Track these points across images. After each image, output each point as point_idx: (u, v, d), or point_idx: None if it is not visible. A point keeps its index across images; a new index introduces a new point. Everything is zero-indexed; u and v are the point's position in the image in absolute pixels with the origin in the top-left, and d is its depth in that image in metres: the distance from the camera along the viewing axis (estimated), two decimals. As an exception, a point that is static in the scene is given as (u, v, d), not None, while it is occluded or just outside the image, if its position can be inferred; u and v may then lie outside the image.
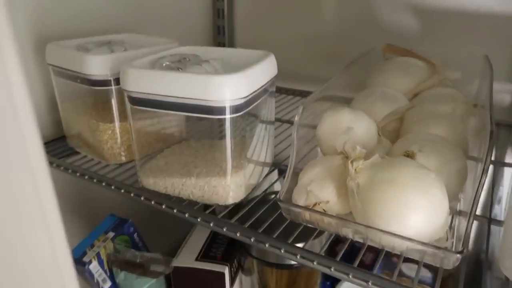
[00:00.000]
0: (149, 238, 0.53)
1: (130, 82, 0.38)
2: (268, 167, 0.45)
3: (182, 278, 0.47)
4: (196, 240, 0.51)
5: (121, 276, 0.44)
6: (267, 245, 0.35)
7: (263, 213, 0.38)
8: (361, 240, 0.35)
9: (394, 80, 0.48)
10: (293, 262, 0.45)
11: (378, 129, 0.40)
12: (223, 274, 0.46)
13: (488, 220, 0.40)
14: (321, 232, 0.38)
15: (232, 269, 0.48)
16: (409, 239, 0.30)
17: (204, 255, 0.48)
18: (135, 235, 0.51)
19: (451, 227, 0.35)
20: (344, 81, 0.48)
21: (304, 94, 0.68)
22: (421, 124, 0.41)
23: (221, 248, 0.49)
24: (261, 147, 0.43)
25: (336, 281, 0.51)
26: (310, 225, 0.37)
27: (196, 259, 0.47)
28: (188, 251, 0.49)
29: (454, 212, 0.37)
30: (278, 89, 0.69)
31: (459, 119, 0.42)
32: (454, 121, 0.41)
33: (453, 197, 0.35)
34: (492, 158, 0.49)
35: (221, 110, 0.35)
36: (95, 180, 0.45)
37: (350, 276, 0.32)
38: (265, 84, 0.40)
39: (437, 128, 0.40)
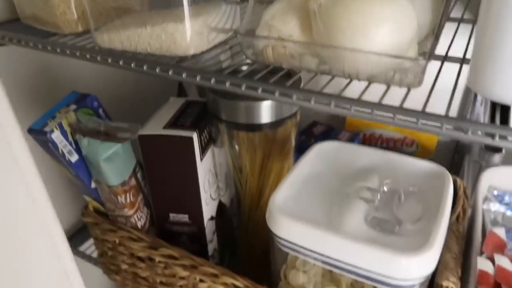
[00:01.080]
0: (116, 119, 0.51)
1: None
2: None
3: (150, 147, 0.46)
4: (165, 113, 0.49)
5: (84, 142, 0.43)
6: (243, 88, 0.33)
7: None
8: (326, 72, 0.33)
9: None
10: (264, 122, 0.44)
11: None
12: (190, 139, 0.44)
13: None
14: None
15: (201, 137, 0.46)
16: (375, 53, 0.28)
17: (172, 124, 0.47)
18: (100, 110, 0.49)
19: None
20: None
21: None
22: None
23: (190, 118, 0.48)
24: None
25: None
26: (274, 64, 0.35)
27: (164, 128, 0.46)
28: (156, 121, 0.48)
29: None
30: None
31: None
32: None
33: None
34: None
35: None
36: (49, 48, 0.42)
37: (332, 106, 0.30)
38: None
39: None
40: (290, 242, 0.38)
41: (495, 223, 0.58)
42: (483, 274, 0.42)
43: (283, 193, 0.40)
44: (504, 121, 0.26)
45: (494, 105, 0.27)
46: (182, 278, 0.49)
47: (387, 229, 0.36)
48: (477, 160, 0.69)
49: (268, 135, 0.47)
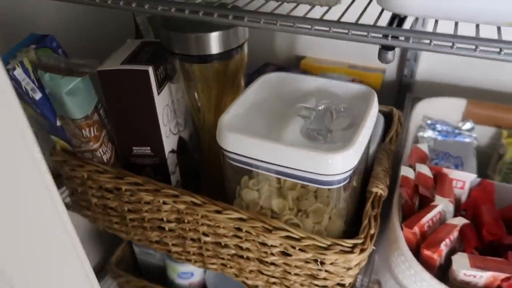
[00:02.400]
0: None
1: None
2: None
3: (109, 82, 0.50)
4: (123, 53, 0.53)
5: (46, 77, 0.46)
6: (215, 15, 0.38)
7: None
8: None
9: None
10: (214, 52, 0.48)
11: None
12: (146, 72, 0.48)
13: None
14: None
15: (157, 72, 0.50)
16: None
17: (129, 61, 0.50)
18: (60, 50, 0.52)
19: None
20: None
21: None
22: None
23: (146, 56, 0.51)
24: None
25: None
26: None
27: (121, 64, 0.50)
28: (114, 59, 0.51)
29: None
30: None
31: None
32: None
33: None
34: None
35: None
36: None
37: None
38: None
39: None
40: (236, 154, 0.43)
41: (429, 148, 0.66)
42: (404, 178, 0.49)
43: (230, 114, 0.45)
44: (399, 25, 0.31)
45: (394, 15, 0.33)
46: (147, 203, 0.54)
47: (319, 138, 0.42)
48: (416, 96, 0.76)
49: (219, 68, 0.52)
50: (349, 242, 0.44)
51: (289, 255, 0.48)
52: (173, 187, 0.51)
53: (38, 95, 0.49)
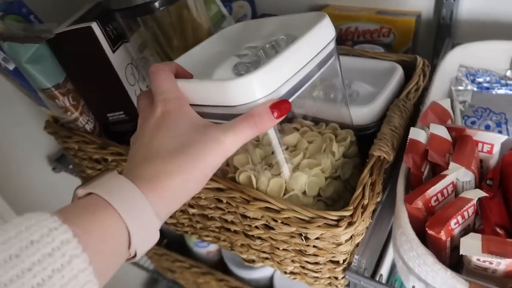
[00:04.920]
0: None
1: None
2: None
3: (60, 47, 0.47)
4: (75, 15, 0.49)
5: (5, 46, 0.44)
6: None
7: None
8: None
9: None
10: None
11: None
12: (89, 28, 0.44)
13: None
14: None
15: (106, 29, 0.46)
16: None
17: (76, 22, 0.46)
18: (31, 16, 0.49)
19: None
20: None
21: None
22: None
23: (95, 14, 0.47)
24: None
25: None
26: None
27: (68, 26, 0.46)
28: (63, 25, 0.47)
29: None
30: None
31: None
32: None
33: None
34: None
35: None
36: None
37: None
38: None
39: None
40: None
41: (464, 105, 0.55)
42: (412, 142, 0.41)
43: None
44: None
45: None
46: (132, 173, 0.51)
47: (245, 71, 0.36)
48: (457, 42, 0.63)
49: (169, 20, 0.45)
50: (334, 214, 0.37)
51: (272, 228, 0.42)
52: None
53: (11, 65, 0.48)
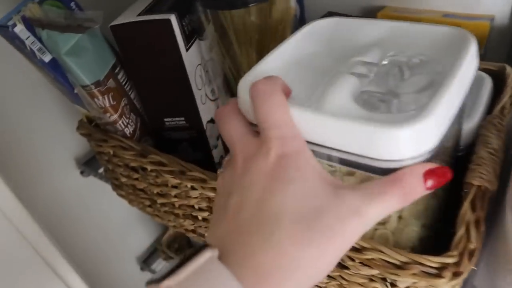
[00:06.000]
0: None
1: None
2: None
3: (126, 39, 0.41)
4: (141, 4, 0.43)
5: (44, 35, 0.38)
6: None
7: None
8: None
9: None
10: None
11: None
12: (168, 22, 0.38)
13: None
14: None
15: (183, 23, 0.40)
16: None
17: (148, 11, 0.40)
18: (72, 4, 0.43)
19: None
20: None
21: None
22: None
23: (168, 4, 0.41)
24: None
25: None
26: None
27: (138, 15, 0.40)
28: (131, 11, 0.41)
29: None
30: None
31: None
32: None
33: None
34: None
35: None
36: None
37: None
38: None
39: None
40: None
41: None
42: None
43: (255, 75, 0.31)
44: None
45: None
46: (175, 187, 0.45)
47: (379, 105, 0.28)
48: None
49: (258, 16, 0.39)
50: (435, 261, 0.30)
51: (347, 268, 0.35)
52: (201, 170, 0.41)
53: (47, 57, 0.42)
